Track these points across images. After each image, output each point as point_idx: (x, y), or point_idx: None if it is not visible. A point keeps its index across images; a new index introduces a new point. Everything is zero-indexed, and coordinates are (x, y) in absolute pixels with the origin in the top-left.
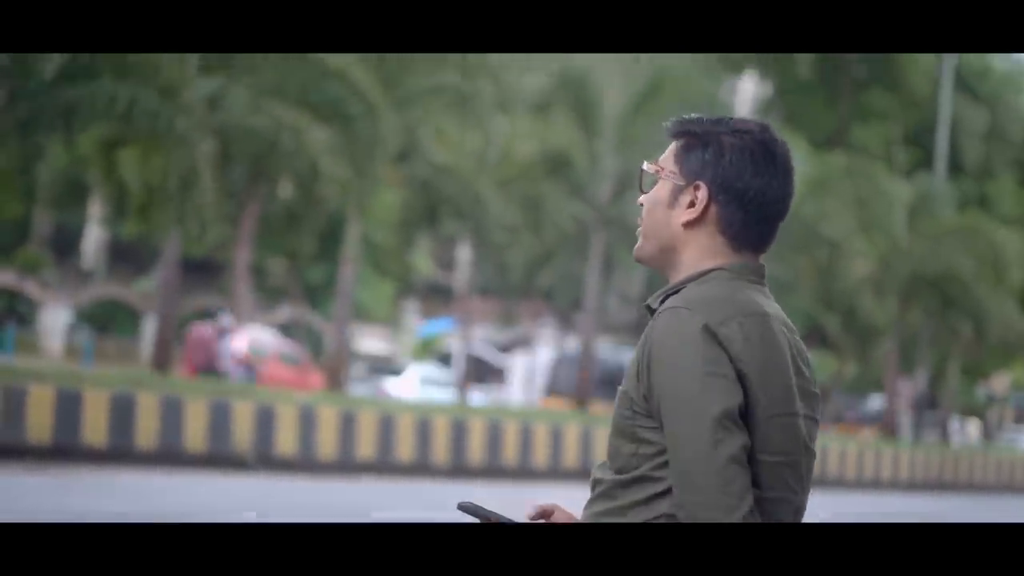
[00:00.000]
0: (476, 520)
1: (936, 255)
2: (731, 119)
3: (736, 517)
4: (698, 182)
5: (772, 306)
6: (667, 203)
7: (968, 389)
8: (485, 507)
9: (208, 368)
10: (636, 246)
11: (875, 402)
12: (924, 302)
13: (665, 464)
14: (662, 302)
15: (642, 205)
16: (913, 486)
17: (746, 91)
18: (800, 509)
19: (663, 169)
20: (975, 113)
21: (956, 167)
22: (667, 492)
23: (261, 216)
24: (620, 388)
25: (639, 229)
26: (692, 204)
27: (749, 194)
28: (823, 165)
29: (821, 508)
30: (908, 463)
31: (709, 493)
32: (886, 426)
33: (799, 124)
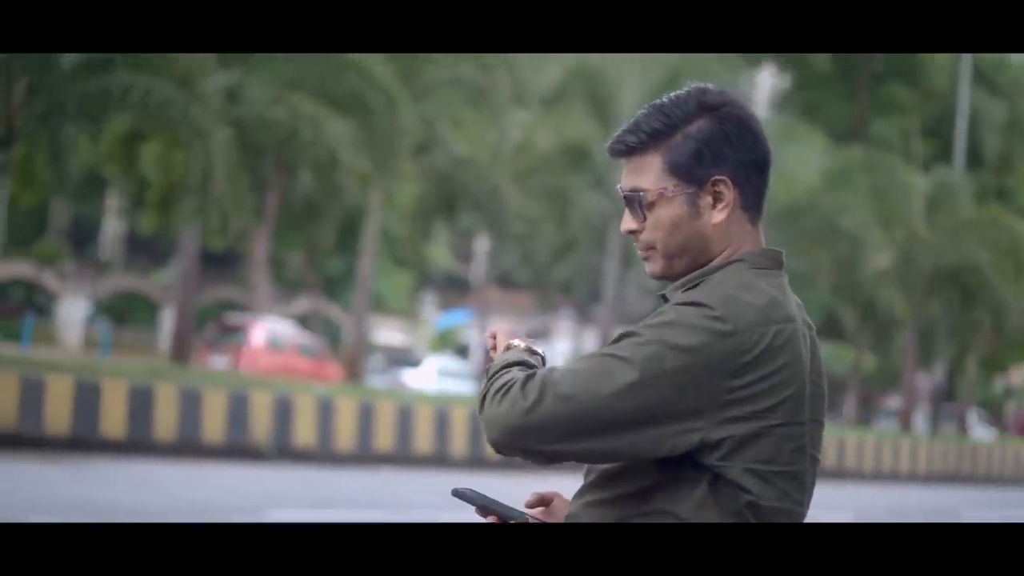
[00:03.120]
0: (471, 507)
1: (955, 247)
2: (685, 100)
3: (523, 415)
4: (715, 178)
5: (793, 302)
6: (690, 216)
7: (986, 382)
8: (478, 491)
9: None
10: (658, 267)
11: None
12: (943, 295)
13: (656, 460)
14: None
15: (636, 232)
16: (931, 479)
17: (764, 84)
18: (801, 519)
19: (666, 189)
20: (994, 105)
21: (975, 159)
22: (658, 486)
23: (280, 208)
24: None
25: (651, 252)
26: (715, 200)
27: (760, 159)
28: (841, 158)
29: (839, 501)
30: (925, 456)
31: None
32: (903, 419)
33: (817, 117)
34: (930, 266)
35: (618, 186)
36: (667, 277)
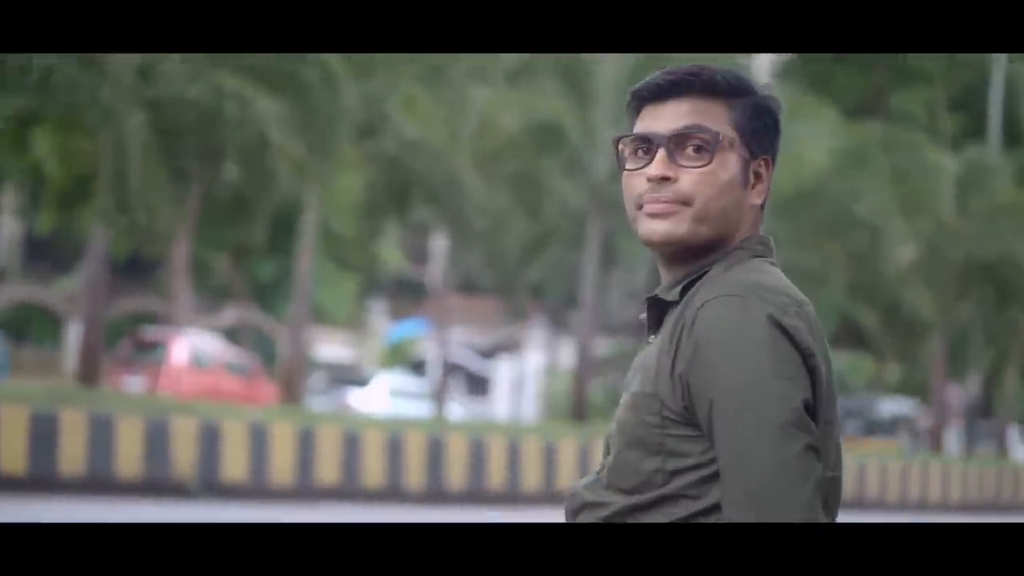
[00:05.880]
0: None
1: (990, 237)
2: (743, 74)
3: None
4: (767, 156)
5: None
6: (741, 183)
7: None
8: None
9: None
10: (680, 230)
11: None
12: (977, 293)
13: (705, 480)
14: (683, 291)
15: (668, 180)
16: (965, 508)
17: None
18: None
19: (726, 138)
20: None
21: (1012, 135)
22: (710, 510)
23: (203, 204)
24: (634, 391)
25: (678, 209)
26: (756, 180)
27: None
28: (856, 136)
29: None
30: (960, 481)
31: (782, 517)
32: (933, 438)
33: (826, 90)
34: (962, 260)
35: (640, 129)
36: (678, 244)
